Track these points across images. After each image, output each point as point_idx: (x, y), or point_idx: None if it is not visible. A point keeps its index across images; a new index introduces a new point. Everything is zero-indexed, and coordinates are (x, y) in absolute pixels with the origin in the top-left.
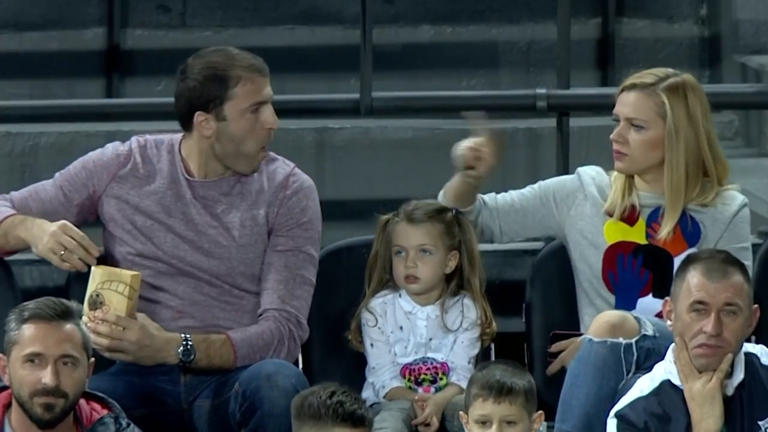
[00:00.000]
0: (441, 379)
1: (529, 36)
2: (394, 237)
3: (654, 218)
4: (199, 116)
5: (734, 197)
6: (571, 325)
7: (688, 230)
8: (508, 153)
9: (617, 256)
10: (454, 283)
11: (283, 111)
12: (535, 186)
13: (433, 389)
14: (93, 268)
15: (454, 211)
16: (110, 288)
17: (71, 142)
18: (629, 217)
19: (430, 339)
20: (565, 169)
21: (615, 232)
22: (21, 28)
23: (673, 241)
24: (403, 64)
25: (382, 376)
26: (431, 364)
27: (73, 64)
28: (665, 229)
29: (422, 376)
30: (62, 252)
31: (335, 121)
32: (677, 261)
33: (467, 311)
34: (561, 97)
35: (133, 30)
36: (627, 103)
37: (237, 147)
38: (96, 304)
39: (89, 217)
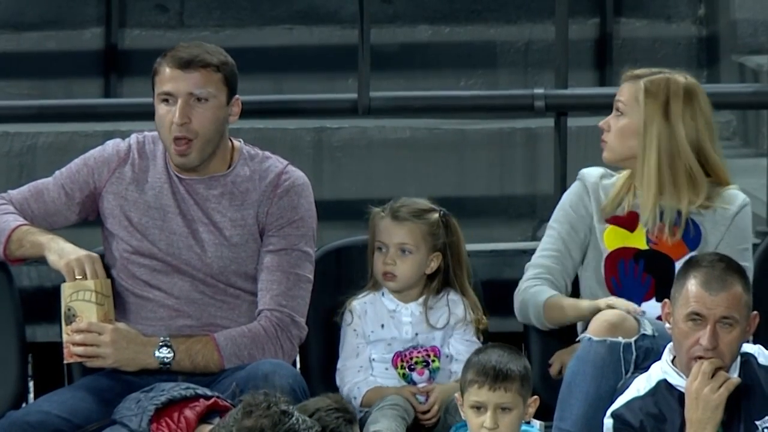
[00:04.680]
0: (433, 361)
1: (527, 36)
2: (377, 232)
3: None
4: None
5: (735, 198)
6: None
7: (689, 234)
8: (506, 153)
9: (618, 262)
10: (436, 282)
11: (280, 111)
12: (556, 225)
13: (426, 372)
14: (61, 285)
15: (441, 212)
16: (78, 298)
17: (69, 141)
18: (629, 223)
19: (416, 334)
20: (563, 168)
21: (615, 239)
22: (19, 28)
23: (674, 245)
24: (401, 64)
25: (346, 378)
26: (422, 348)
27: (71, 64)
28: (644, 217)
29: (414, 359)
30: (79, 277)
31: (333, 121)
32: (678, 265)
33: (454, 307)
34: (559, 97)
35: (131, 30)
36: (619, 91)
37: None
38: (70, 318)
39: (90, 216)
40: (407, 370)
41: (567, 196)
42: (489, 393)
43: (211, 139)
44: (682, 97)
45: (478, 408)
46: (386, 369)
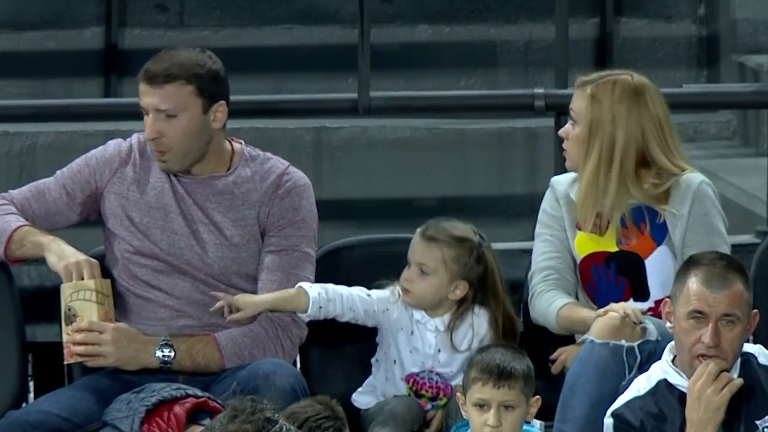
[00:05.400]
0: (441, 399)
1: (527, 35)
2: (410, 245)
3: (623, 222)
4: None
5: (689, 184)
6: None
7: (654, 228)
8: (505, 152)
9: (592, 268)
10: (463, 308)
11: (280, 111)
12: (544, 230)
13: (429, 406)
14: (61, 285)
15: (477, 242)
16: (79, 298)
17: (69, 141)
18: (599, 226)
19: (439, 350)
20: (563, 168)
21: (586, 245)
22: (19, 27)
23: (642, 243)
24: (401, 64)
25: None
26: (436, 383)
27: (71, 64)
28: (583, 218)
29: (423, 392)
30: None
31: (333, 121)
32: (648, 263)
33: (477, 325)
34: (559, 96)
35: (131, 30)
36: (572, 100)
37: None
38: (70, 318)
39: (92, 216)
40: (414, 395)
41: (543, 204)
42: (493, 390)
43: (189, 150)
44: (628, 99)
45: (482, 406)
46: (401, 379)
